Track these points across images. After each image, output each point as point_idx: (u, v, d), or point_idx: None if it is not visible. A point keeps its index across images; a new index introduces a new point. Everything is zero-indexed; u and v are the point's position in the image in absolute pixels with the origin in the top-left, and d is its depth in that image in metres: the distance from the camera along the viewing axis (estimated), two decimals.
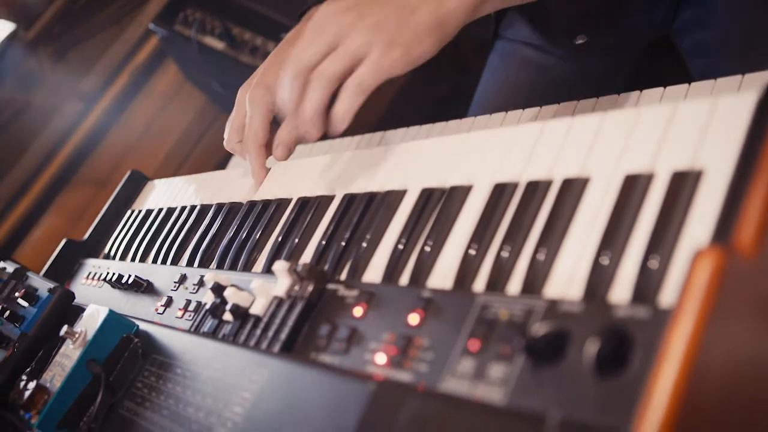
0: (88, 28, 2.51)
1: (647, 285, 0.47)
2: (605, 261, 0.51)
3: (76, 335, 0.81)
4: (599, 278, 0.50)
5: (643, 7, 1.13)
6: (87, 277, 1.14)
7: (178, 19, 1.96)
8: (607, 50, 1.22)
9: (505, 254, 0.58)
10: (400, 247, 0.68)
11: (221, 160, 1.49)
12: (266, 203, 0.92)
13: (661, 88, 0.87)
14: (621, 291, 0.49)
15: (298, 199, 0.87)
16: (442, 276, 0.62)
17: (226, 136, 0.96)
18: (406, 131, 1.15)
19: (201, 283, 0.86)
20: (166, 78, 2.37)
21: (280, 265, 0.70)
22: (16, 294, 1.05)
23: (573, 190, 0.57)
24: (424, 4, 0.71)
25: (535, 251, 0.56)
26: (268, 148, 0.91)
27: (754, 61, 0.93)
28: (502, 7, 0.77)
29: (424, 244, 0.65)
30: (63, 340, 0.84)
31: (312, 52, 0.73)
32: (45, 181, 2.19)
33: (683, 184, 0.50)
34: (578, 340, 0.45)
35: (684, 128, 0.54)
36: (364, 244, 0.71)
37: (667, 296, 0.46)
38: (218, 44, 1.91)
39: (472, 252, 0.60)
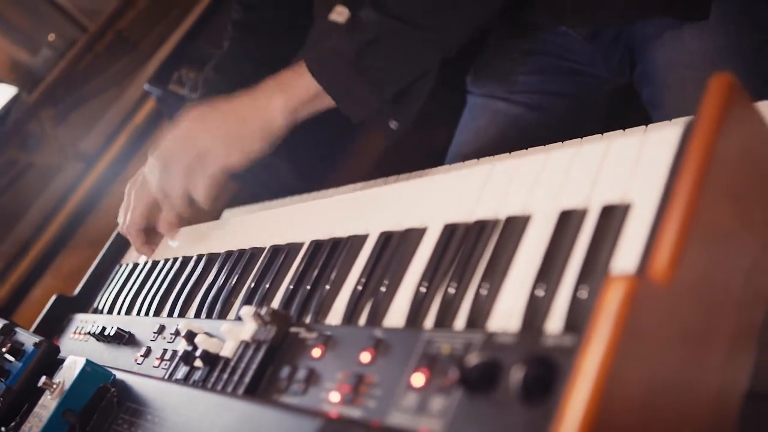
0: (89, 91, 2.58)
1: (579, 315, 0.49)
2: (540, 294, 0.53)
3: (54, 386, 0.83)
4: (535, 311, 0.52)
5: (596, 59, 1.17)
6: (74, 332, 1.16)
7: (173, 79, 2.02)
8: (570, 97, 1.25)
9: (451, 291, 0.60)
10: (359, 288, 0.70)
11: (218, 214, 1.51)
12: (241, 252, 0.94)
13: (621, 131, 0.89)
14: (555, 322, 0.51)
15: (270, 247, 0.89)
16: (398, 315, 0.64)
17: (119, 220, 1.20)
18: (385, 180, 1.18)
19: (177, 333, 0.88)
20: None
21: (246, 310, 0.72)
22: (3, 349, 1.07)
23: (515, 227, 0.59)
24: (252, 114, 0.93)
25: (479, 287, 0.58)
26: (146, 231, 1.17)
27: (687, 111, 0.96)
28: (313, 111, 0.95)
29: (381, 284, 0.67)
30: (42, 391, 0.85)
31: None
32: (45, 241, 2.23)
33: (612, 218, 0.52)
34: (508, 369, 0.46)
35: (617, 163, 0.56)
36: (327, 288, 0.73)
37: None
38: None
39: (423, 290, 0.62)
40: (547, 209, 0.58)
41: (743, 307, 0.50)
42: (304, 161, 1.96)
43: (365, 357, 0.59)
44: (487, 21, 0.94)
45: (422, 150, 2.51)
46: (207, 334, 0.79)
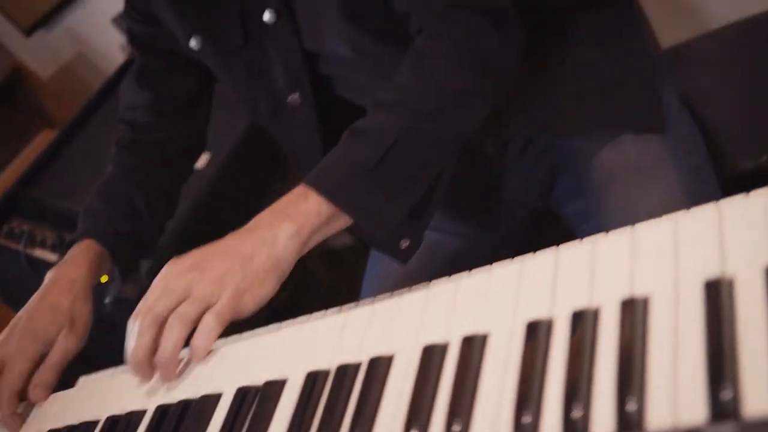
0: None
1: None
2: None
3: None
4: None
5: (516, 179, 1.16)
6: None
7: (3, 233, 1.77)
8: (492, 223, 1.23)
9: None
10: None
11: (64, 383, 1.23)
12: (183, 404, 0.75)
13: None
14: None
15: (263, 383, 0.71)
16: None
17: None
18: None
19: None
20: None
21: None
22: None
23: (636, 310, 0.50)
24: (259, 250, 0.79)
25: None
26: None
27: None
28: (324, 238, 0.84)
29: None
30: None
31: (164, 303, 0.78)
32: None
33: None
34: None
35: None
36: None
37: None
38: (52, 256, 1.73)
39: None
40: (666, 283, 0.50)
41: None
42: None
43: None
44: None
45: (266, 308, 2.37)
46: None
